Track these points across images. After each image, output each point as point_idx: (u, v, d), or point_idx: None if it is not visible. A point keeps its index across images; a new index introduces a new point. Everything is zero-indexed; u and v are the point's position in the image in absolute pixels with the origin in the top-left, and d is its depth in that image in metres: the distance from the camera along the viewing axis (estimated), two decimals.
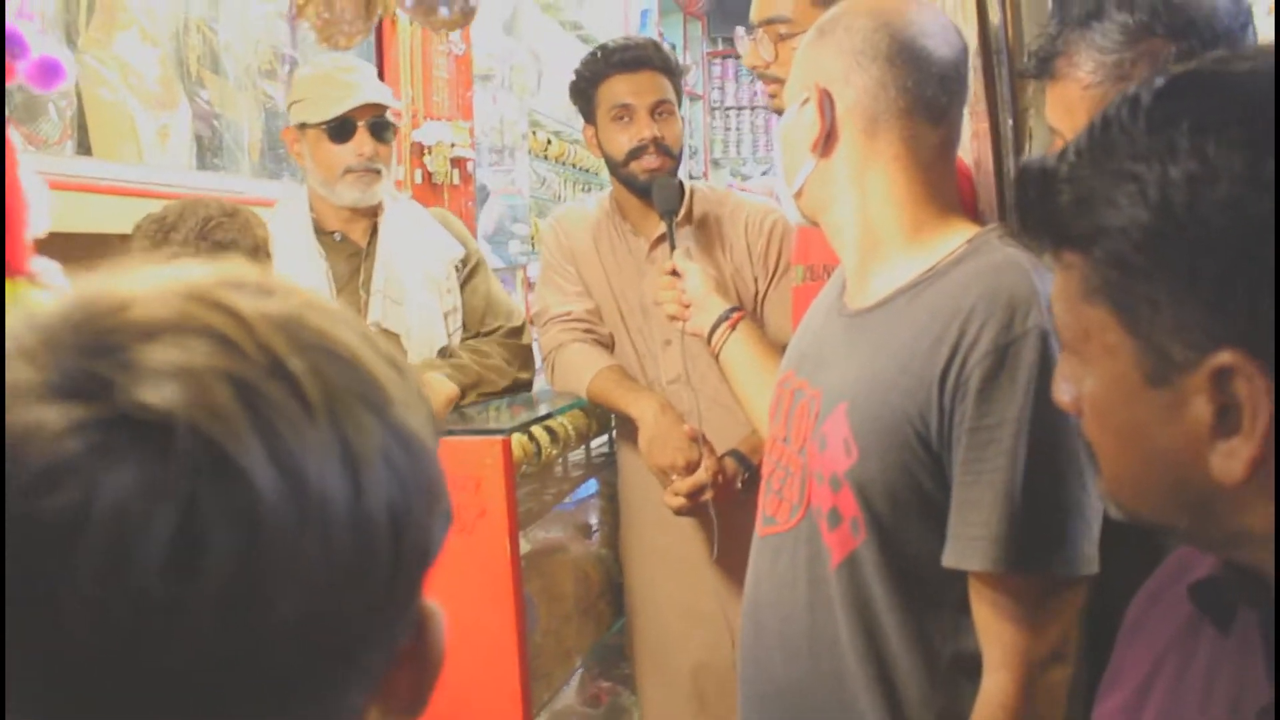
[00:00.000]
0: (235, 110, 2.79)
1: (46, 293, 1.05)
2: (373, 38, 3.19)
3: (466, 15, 1.16)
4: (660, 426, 2.28)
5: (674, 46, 7.20)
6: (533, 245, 4.37)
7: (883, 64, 1.32)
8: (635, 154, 2.41)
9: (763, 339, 1.86)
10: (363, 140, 2.37)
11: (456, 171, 3.54)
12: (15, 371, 0.48)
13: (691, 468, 2.23)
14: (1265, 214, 0.63)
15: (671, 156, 2.43)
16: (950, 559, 1.25)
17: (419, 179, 3.40)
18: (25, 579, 0.46)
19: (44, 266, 1.12)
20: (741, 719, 1.50)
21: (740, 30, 2.01)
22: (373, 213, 2.46)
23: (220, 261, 1.47)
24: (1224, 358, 0.65)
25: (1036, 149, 1.62)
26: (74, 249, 2.18)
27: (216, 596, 0.46)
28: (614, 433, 2.61)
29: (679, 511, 2.26)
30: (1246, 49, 0.72)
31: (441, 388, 2.30)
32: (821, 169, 1.38)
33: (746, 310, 2.39)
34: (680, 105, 2.53)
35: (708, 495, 2.21)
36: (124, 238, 2.28)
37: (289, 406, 0.48)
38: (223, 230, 1.95)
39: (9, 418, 0.47)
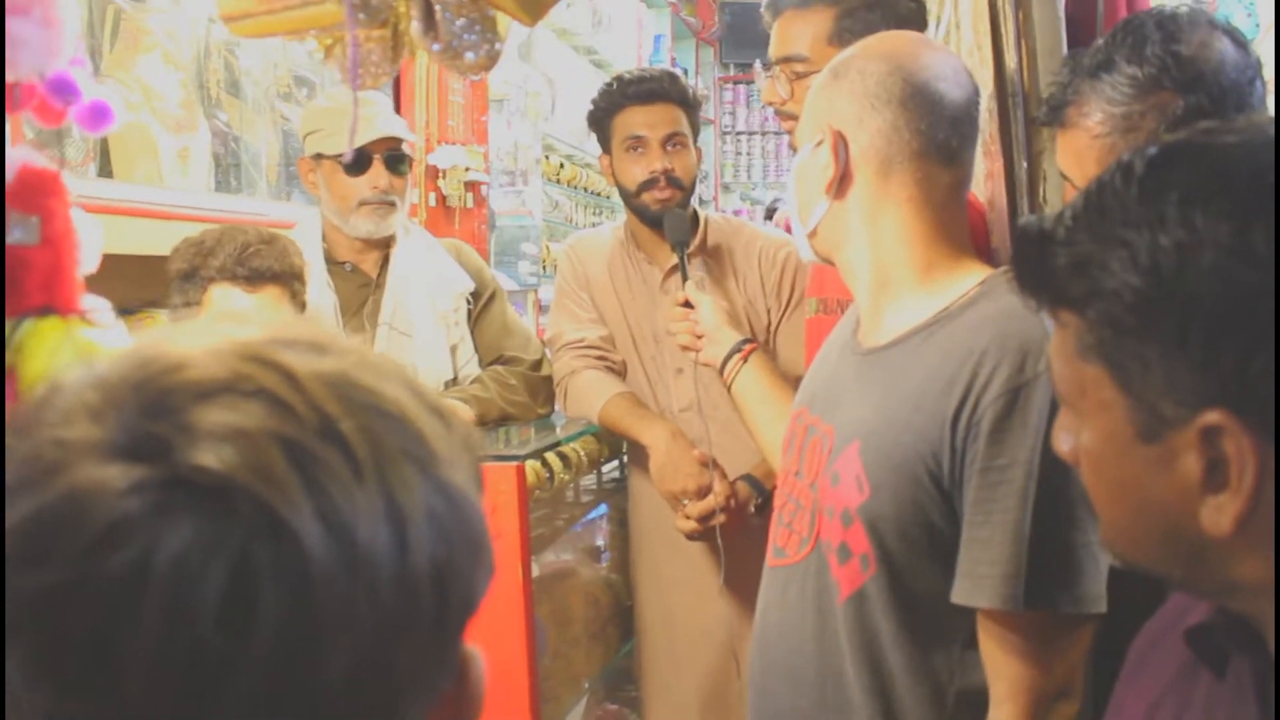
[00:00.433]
0: (253, 133, 2.82)
1: (97, 331, 1.08)
2: None
3: (492, 59, 1.19)
4: (672, 452, 2.30)
5: (686, 71, 7.25)
6: (544, 268, 4.40)
7: (896, 107, 1.35)
8: (647, 185, 2.44)
9: (774, 371, 1.89)
10: (378, 173, 2.38)
11: (470, 195, 3.57)
12: (80, 429, 0.50)
13: (703, 493, 2.26)
14: (1250, 281, 0.66)
15: (682, 188, 2.46)
16: (959, 596, 1.27)
17: (433, 202, 3.43)
18: (86, 632, 0.48)
19: (94, 304, 1.15)
20: None
21: (758, 65, 2.04)
22: (385, 244, 2.47)
23: (264, 302, 1.51)
24: (1212, 417, 0.68)
25: (1051, 191, 1.65)
26: (96, 271, 2.22)
27: (269, 651, 0.48)
28: (625, 458, 2.63)
29: (690, 536, 2.28)
30: (1236, 121, 0.76)
31: (462, 414, 2.33)
32: (835, 210, 1.40)
33: (759, 341, 2.42)
34: (696, 137, 2.57)
35: (719, 520, 2.23)
36: (143, 259, 2.32)
37: (338, 467, 0.51)
38: (260, 258, 1.96)
39: (74, 475, 0.49)
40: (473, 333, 2.54)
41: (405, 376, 0.59)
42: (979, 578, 1.25)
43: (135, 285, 2.46)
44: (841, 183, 1.39)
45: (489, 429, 2.39)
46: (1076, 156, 1.44)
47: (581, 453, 2.34)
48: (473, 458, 0.60)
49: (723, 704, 2.40)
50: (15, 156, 1.08)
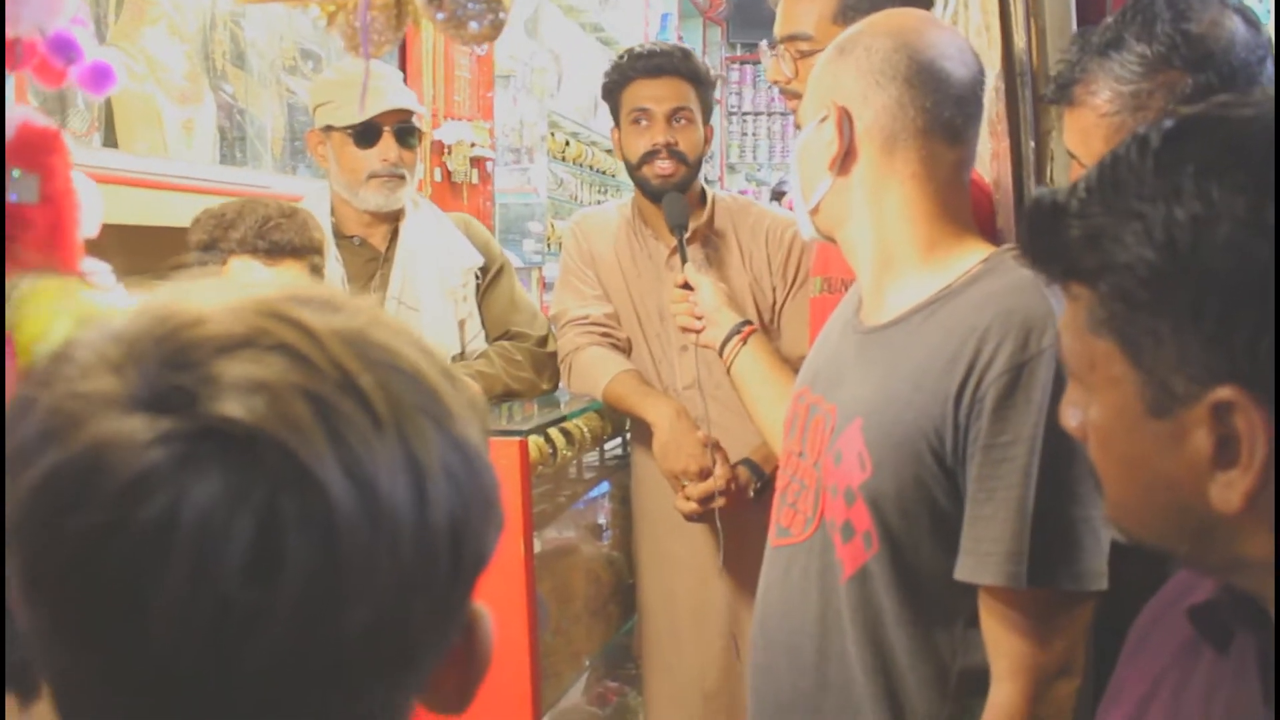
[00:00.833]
0: (259, 105, 2.82)
1: (96, 293, 1.08)
2: None
3: (496, 28, 1.18)
4: (675, 432, 2.30)
5: (693, 50, 7.23)
6: (548, 246, 4.39)
7: (901, 84, 1.34)
8: (648, 158, 2.44)
9: (774, 353, 1.88)
10: (388, 145, 2.37)
11: (476, 171, 3.56)
12: (100, 382, 0.50)
13: (704, 474, 2.26)
14: (1265, 255, 0.65)
15: (685, 163, 2.45)
16: (962, 573, 1.27)
17: (438, 177, 3.42)
18: (112, 585, 0.48)
19: (94, 267, 1.14)
20: None
21: (763, 44, 2.03)
22: (394, 218, 2.46)
23: (284, 275, 1.50)
24: (1224, 393, 0.68)
25: (1058, 171, 1.64)
26: (97, 240, 2.22)
27: (294, 602, 0.48)
28: (628, 435, 2.63)
29: (689, 517, 2.28)
30: (1252, 94, 0.75)
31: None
32: (838, 186, 1.40)
33: (763, 321, 2.42)
34: (708, 116, 2.55)
35: (719, 502, 2.23)
36: (146, 230, 2.31)
37: (360, 420, 0.51)
38: (280, 231, 1.96)
39: (97, 427, 0.49)
40: (480, 307, 2.54)
41: (416, 337, 0.59)
42: (982, 555, 1.25)
43: (138, 256, 2.46)
44: (845, 159, 1.38)
45: (493, 404, 2.39)
46: (1084, 135, 1.43)
47: (585, 429, 2.34)
48: (481, 419, 0.60)
49: (723, 684, 2.41)
50: (15, 115, 1.07)
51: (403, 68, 3.27)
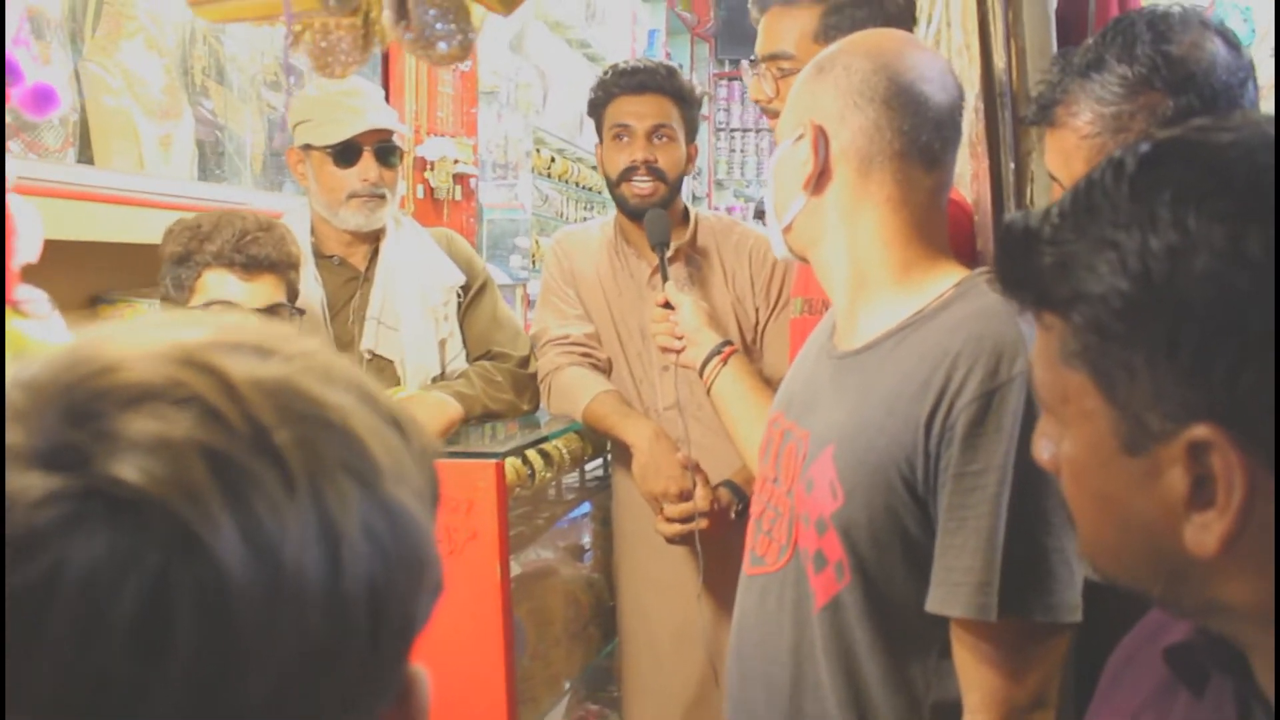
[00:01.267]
0: (239, 121, 2.79)
1: (30, 322, 1.05)
2: (378, 51, 3.20)
3: (465, 49, 1.16)
4: (654, 454, 2.28)
5: (681, 67, 7.22)
6: (533, 263, 4.37)
7: (880, 106, 1.32)
8: (626, 175, 2.43)
9: (754, 374, 1.87)
10: (368, 165, 2.34)
11: (459, 188, 3.54)
12: (8, 433, 0.48)
13: (684, 496, 2.24)
14: (1244, 288, 0.63)
15: (664, 181, 2.43)
16: (933, 605, 1.25)
17: (421, 194, 3.40)
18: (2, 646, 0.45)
19: (29, 295, 1.11)
20: None
21: (745, 63, 2.01)
22: (374, 237, 2.43)
23: (258, 291, 1.47)
24: (1200, 431, 0.65)
25: (1038, 192, 1.62)
26: (72, 257, 2.20)
27: (182, 677, 0.45)
28: (609, 457, 2.61)
29: (670, 539, 2.26)
30: (1231, 117, 0.72)
31: (446, 411, 2.26)
32: (812, 206, 1.38)
33: (746, 340, 2.41)
34: (693, 134, 2.54)
35: (700, 524, 2.21)
36: (122, 246, 2.29)
37: (269, 481, 0.48)
38: (258, 245, 1.93)
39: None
40: (461, 325, 2.51)
41: (359, 384, 0.56)
42: (952, 586, 1.23)
43: (114, 273, 2.44)
44: (820, 179, 1.37)
45: (473, 425, 2.36)
46: (1064, 157, 1.42)
47: (564, 450, 2.31)
48: (428, 471, 0.58)
49: (702, 708, 2.38)
50: None
51: (385, 83, 3.26)
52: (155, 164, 2.46)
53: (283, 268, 1.98)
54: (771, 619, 1.38)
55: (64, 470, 0.46)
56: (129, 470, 0.46)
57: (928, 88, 1.33)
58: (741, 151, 8.60)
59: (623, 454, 2.42)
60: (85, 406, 0.48)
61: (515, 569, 2.39)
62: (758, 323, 2.47)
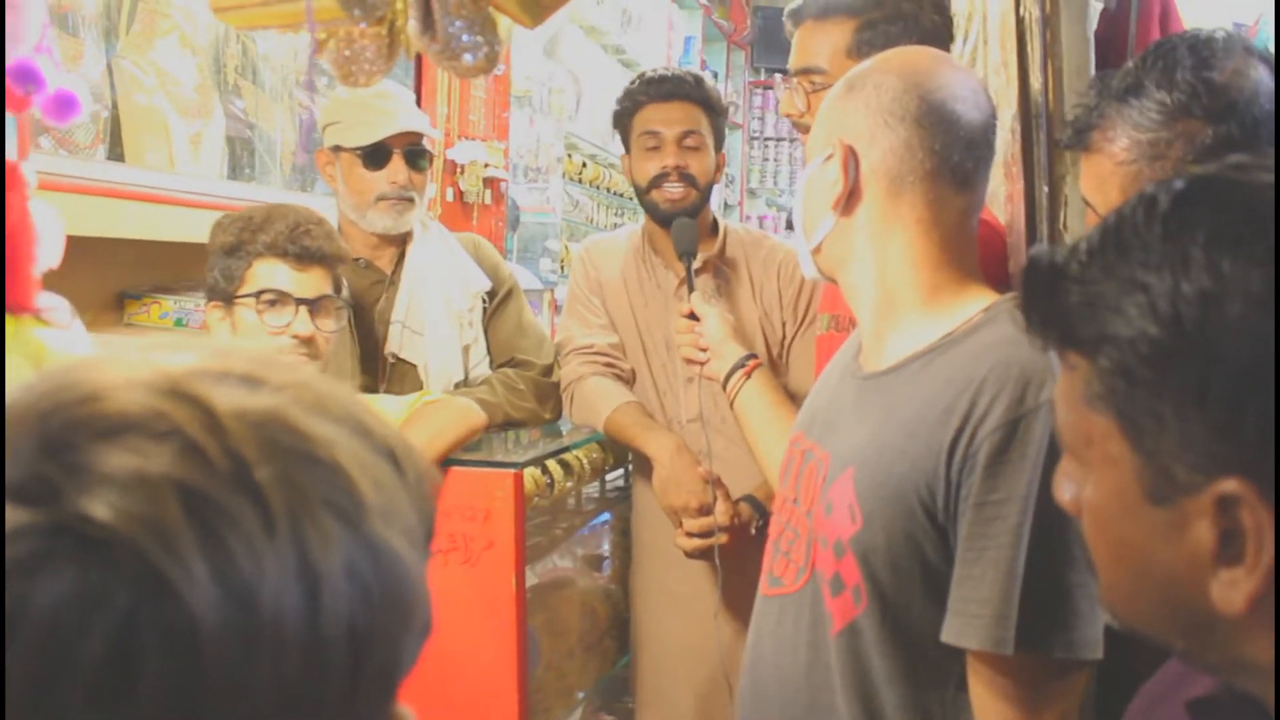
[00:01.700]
0: (270, 120, 2.79)
1: (51, 331, 1.04)
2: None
3: (491, 61, 1.15)
4: (675, 467, 2.26)
5: (716, 75, 7.20)
6: (561, 268, 4.37)
7: (911, 125, 1.30)
8: (658, 181, 2.41)
9: (778, 389, 1.84)
10: (397, 168, 2.34)
11: (489, 191, 3.53)
12: None
13: (704, 510, 2.22)
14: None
15: (696, 187, 2.41)
16: (949, 635, 1.23)
17: (450, 197, 3.39)
18: None
19: (50, 303, 1.10)
20: None
21: (777, 77, 2.00)
22: (402, 240, 2.42)
23: (308, 282, 1.47)
24: (1230, 485, 0.63)
25: (1073, 216, 1.60)
26: (100, 254, 2.20)
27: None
28: (629, 467, 2.59)
29: (689, 553, 2.24)
30: (1270, 156, 0.69)
31: (469, 418, 2.19)
32: (841, 226, 1.36)
33: (772, 355, 2.39)
34: (720, 142, 2.52)
35: (720, 539, 2.19)
36: (150, 244, 2.29)
37: (246, 520, 0.47)
38: (310, 237, 1.95)
39: None
40: (486, 330, 2.50)
41: (353, 415, 0.54)
42: (969, 617, 1.21)
43: (142, 270, 2.44)
44: (849, 199, 1.34)
45: (495, 432, 2.35)
46: (1099, 183, 1.39)
47: (584, 460, 2.30)
48: (423, 504, 0.56)
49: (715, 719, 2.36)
50: None
51: (417, 86, 3.26)
52: (185, 162, 2.47)
53: (332, 260, 2.00)
54: (787, 641, 1.36)
55: (34, 504, 0.45)
56: (99, 507, 0.45)
57: (960, 106, 1.31)
58: (775, 160, 8.56)
59: (644, 465, 2.40)
60: (61, 437, 0.47)
61: (531, 579, 2.38)
62: (784, 337, 2.45)
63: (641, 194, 2.46)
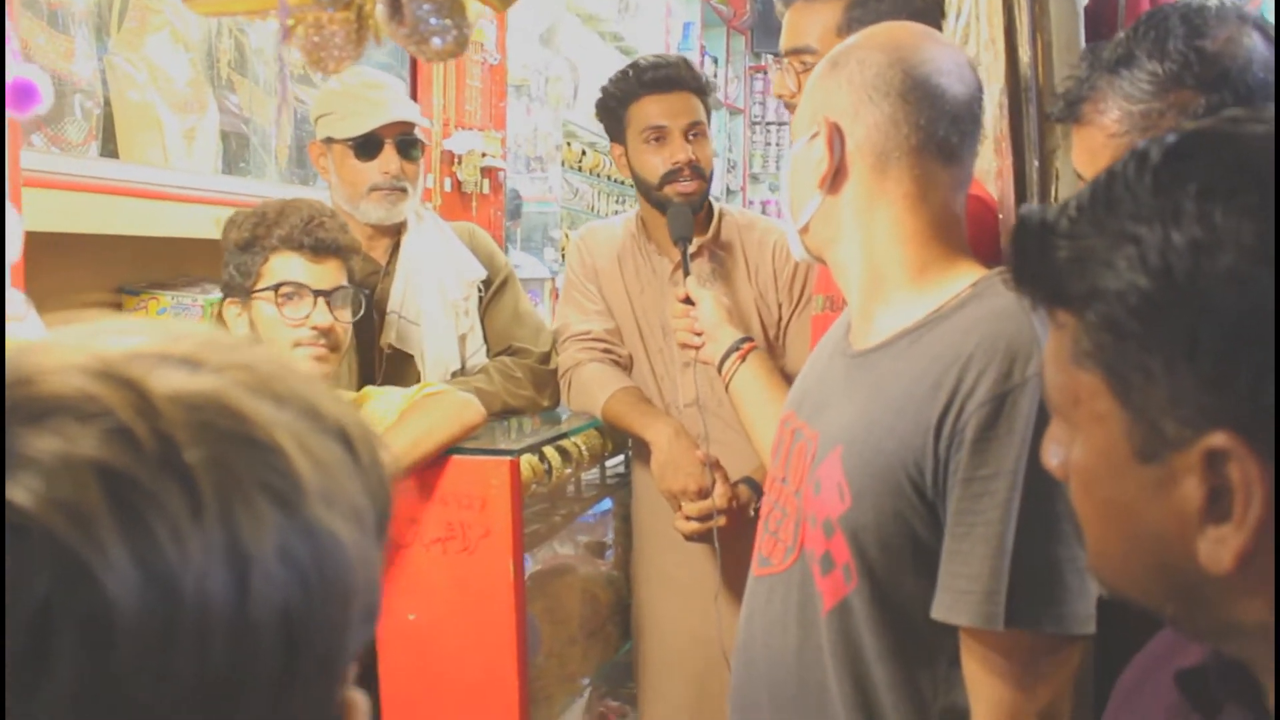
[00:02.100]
0: (264, 114, 2.79)
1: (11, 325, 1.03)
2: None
3: (460, 44, 1.14)
4: (673, 451, 2.26)
5: (716, 60, 7.18)
6: (562, 256, 4.36)
7: (895, 100, 1.29)
8: (670, 178, 2.38)
9: (773, 371, 1.84)
10: (389, 158, 2.34)
11: (486, 181, 3.53)
12: None
13: (703, 493, 2.22)
14: (1272, 289, 0.59)
15: (704, 179, 2.40)
16: (939, 612, 1.22)
17: (448, 187, 3.39)
18: None
19: (11, 298, 1.10)
20: None
21: (770, 58, 1.99)
22: (396, 231, 2.42)
23: (324, 274, 1.48)
24: (1218, 439, 0.61)
25: (1064, 190, 1.58)
26: (96, 250, 2.20)
27: (62, 710, 0.43)
28: (630, 453, 2.59)
29: (689, 536, 2.24)
30: (1265, 109, 0.68)
31: (465, 414, 2.15)
32: (828, 205, 1.35)
33: (768, 337, 2.38)
34: (710, 123, 2.51)
35: (719, 522, 2.19)
36: (145, 240, 2.29)
37: (172, 504, 0.45)
38: (325, 230, 1.97)
39: None
40: (483, 319, 2.50)
41: (302, 395, 0.53)
42: (958, 593, 1.20)
43: (138, 266, 2.44)
44: (835, 177, 1.33)
45: (495, 419, 2.34)
46: (1091, 155, 1.38)
47: (583, 447, 2.30)
48: (378, 489, 0.55)
49: (716, 708, 2.36)
50: None
51: (413, 76, 3.25)
52: (179, 157, 2.46)
53: (346, 252, 2.02)
54: (776, 620, 1.36)
55: None
56: (19, 492, 0.44)
57: (944, 80, 1.30)
58: (777, 145, 8.52)
59: (643, 451, 2.41)
60: None
61: (532, 566, 2.38)
62: (780, 319, 2.44)
63: (651, 189, 2.41)
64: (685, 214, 2.31)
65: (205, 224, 2.30)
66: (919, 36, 1.35)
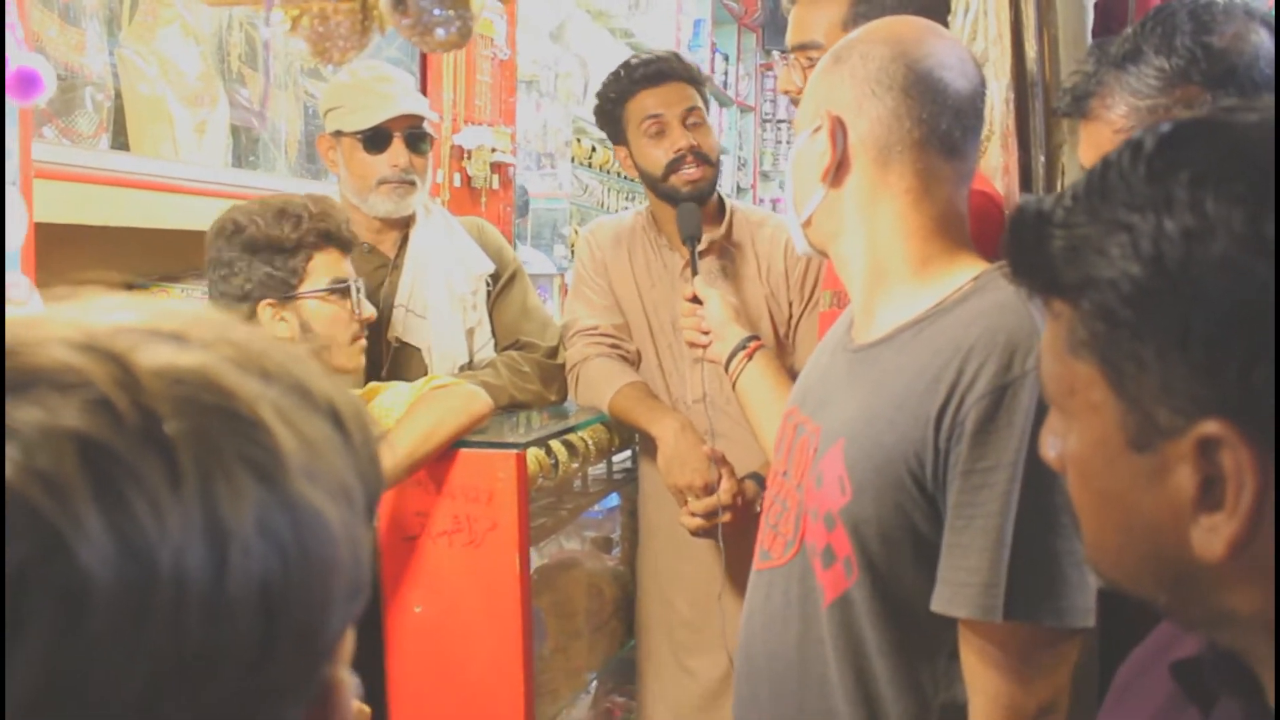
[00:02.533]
0: (274, 109, 2.80)
1: (10, 308, 1.04)
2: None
3: (464, 36, 1.15)
4: (680, 446, 2.26)
5: (727, 57, 7.17)
6: (571, 253, 4.37)
7: (898, 94, 1.29)
8: (674, 166, 2.38)
9: (779, 370, 1.84)
10: (398, 151, 2.34)
11: (496, 177, 3.53)
12: None
13: (709, 489, 2.22)
14: (1263, 275, 0.59)
15: (710, 164, 2.40)
16: (938, 604, 1.22)
17: (458, 183, 3.39)
18: None
19: (14, 281, 1.11)
20: None
21: (776, 54, 1.98)
22: (404, 224, 2.43)
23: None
24: (1210, 427, 0.61)
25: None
26: (105, 243, 2.21)
27: (34, 678, 0.43)
28: (636, 449, 2.59)
29: (694, 532, 2.24)
30: (1260, 99, 0.67)
31: (473, 405, 2.14)
32: (831, 199, 1.35)
33: (779, 334, 2.38)
34: (709, 113, 2.50)
35: (725, 517, 2.19)
36: (156, 233, 2.30)
37: (150, 476, 0.46)
38: (348, 224, 1.99)
39: None
40: (491, 313, 2.50)
41: (292, 373, 0.53)
42: (958, 585, 1.20)
43: (148, 259, 2.45)
44: (838, 171, 1.33)
45: (503, 414, 2.35)
46: (1098, 150, 1.38)
47: (589, 442, 2.30)
48: (367, 469, 0.55)
49: (719, 704, 2.36)
50: None
51: (423, 71, 3.25)
52: (190, 151, 2.47)
53: (349, 242, 2.06)
54: (777, 614, 1.36)
55: None
56: None
57: (947, 74, 1.30)
58: (787, 143, 8.49)
59: (649, 446, 2.41)
60: None
61: (538, 560, 2.38)
62: (791, 316, 2.44)
63: (657, 182, 2.41)
64: (694, 213, 2.31)
65: (215, 218, 2.31)
66: (922, 31, 1.35)
